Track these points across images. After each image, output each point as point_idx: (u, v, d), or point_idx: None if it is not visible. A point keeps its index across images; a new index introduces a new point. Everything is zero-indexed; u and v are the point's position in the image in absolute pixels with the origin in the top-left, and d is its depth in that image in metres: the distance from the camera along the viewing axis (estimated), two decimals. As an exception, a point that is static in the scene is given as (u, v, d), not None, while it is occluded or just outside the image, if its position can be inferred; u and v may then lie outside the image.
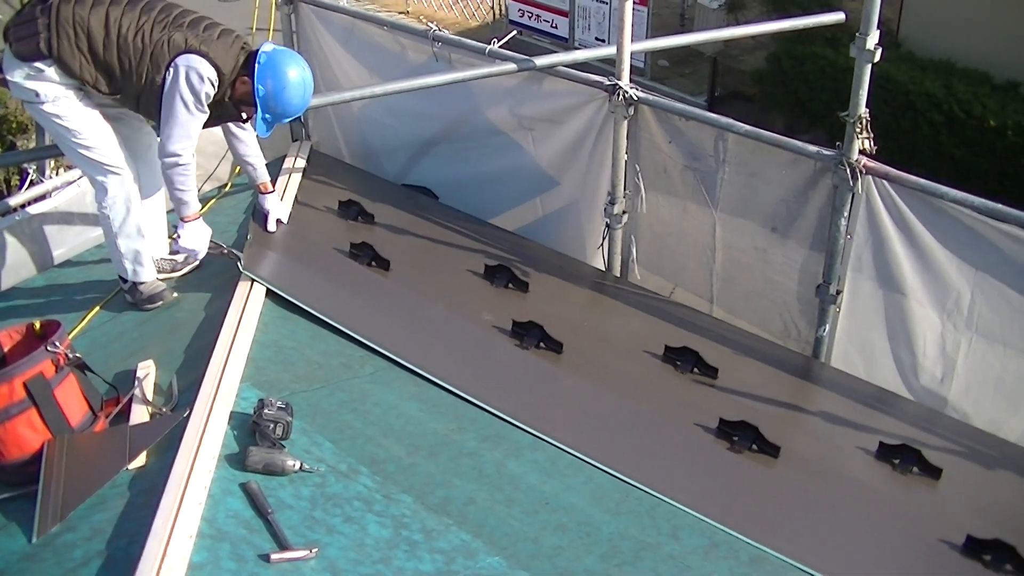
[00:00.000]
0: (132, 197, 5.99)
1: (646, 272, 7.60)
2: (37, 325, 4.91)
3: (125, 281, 6.15)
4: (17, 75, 5.64)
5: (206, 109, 5.77)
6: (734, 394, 6.12)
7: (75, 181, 7.32)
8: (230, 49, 5.80)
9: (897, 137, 13.63)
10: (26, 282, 6.93)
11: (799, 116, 18.47)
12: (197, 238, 6.07)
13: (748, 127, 6.65)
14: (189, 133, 5.75)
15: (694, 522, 4.93)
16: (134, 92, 5.74)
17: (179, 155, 5.77)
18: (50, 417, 4.60)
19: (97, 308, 6.23)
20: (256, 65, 5.78)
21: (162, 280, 6.24)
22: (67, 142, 5.85)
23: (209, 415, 4.65)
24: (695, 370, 6.24)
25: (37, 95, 5.67)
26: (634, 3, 21.24)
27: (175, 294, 6.19)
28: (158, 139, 5.93)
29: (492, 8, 27.49)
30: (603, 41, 24.10)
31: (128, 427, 4.77)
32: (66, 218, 7.24)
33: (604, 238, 7.48)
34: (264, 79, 5.77)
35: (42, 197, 7.33)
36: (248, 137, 6.43)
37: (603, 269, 7.59)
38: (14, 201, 7.18)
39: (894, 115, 14.06)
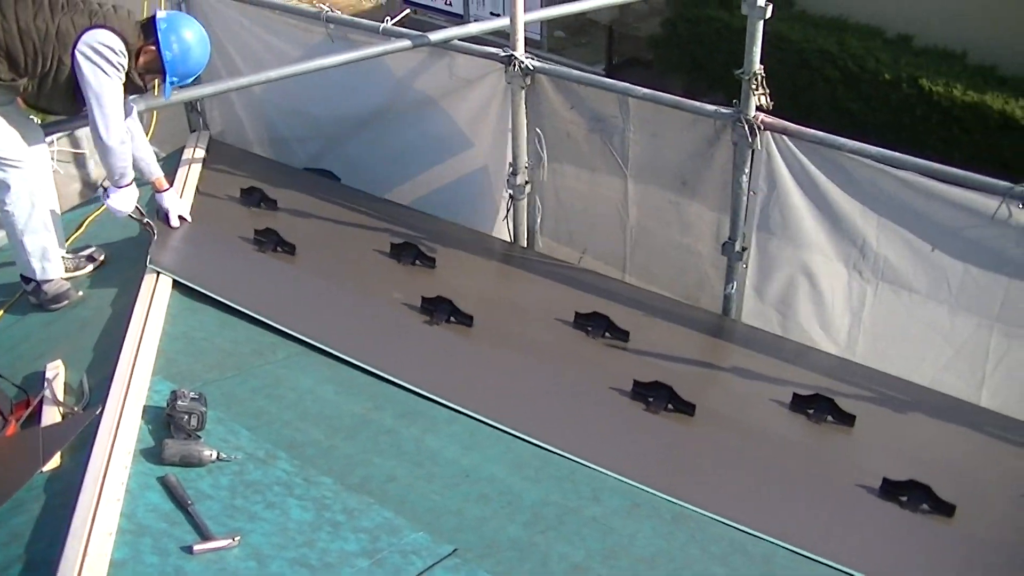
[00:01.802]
0: (35, 191, 5.90)
1: (552, 241, 7.64)
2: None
3: (29, 282, 6.06)
4: None
5: (123, 78, 5.78)
6: (647, 356, 6.17)
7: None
8: (128, 21, 5.82)
9: (794, 95, 13.74)
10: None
11: (698, 79, 18.57)
12: (126, 201, 6.16)
13: (646, 90, 6.70)
14: (119, 109, 5.79)
15: (615, 484, 4.96)
16: (39, 74, 5.64)
17: (122, 132, 5.84)
18: (-42, 424, 4.56)
19: (1, 312, 6.12)
20: (157, 32, 5.85)
21: (66, 279, 6.15)
22: None
23: (122, 411, 4.59)
24: (606, 335, 6.29)
25: None
26: (525, -25, 21.03)
27: (80, 292, 6.11)
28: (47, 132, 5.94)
29: (385, -12, 27.31)
30: (498, 15, 24.12)
31: (40, 429, 4.72)
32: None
33: (508, 209, 7.49)
34: (169, 44, 5.87)
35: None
36: (136, 131, 6.38)
37: (510, 241, 7.59)
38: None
39: (790, 74, 14.19)
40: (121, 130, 5.84)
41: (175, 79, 5.99)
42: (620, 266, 7.45)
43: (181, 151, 7.93)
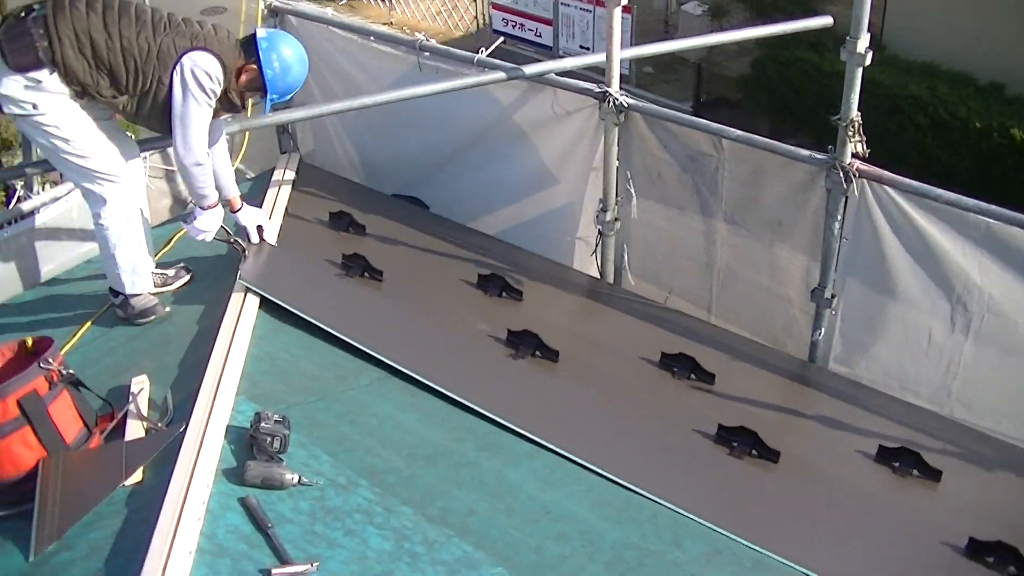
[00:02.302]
0: (130, 206, 5.94)
1: (640, 279, 7.57)
2: (29, 342, 4.85)
3: (117, 295, 6.09)
4: (12, 88, 5.53)
5: (213, 104, 5.81)
6: (732, 400, 6.10)
7: (62, 197, 7.27)
8: (227, 43, 5.86)
9: (884, 140, 13.60)
10: (15, 298, 6.89)
11: (784, 121, 18.46)
12: (210, 223, 6.14)
13: (739, 132, 6.63)
14: (204, 131, 5.81)
15: (696, 528, 4.89)
16: (139, 92, 5.70)
17: (200, 154, 5.84)
18: (44, 434, 4.54)
19: (88, 324, 6.15)
20: (258, 51, 5.90)
21: (154, 295, 6.17)
22: (63, 153, 5.74)
23: (205, 429, 4.59)
24: (692, 376, 6.22)
25: (35, 106, 5.57)
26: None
27: (167, 308, 6.13)
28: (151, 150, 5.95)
29: (476, 18, 27.49)
30: (587, 49, 24.10)
31: (124, 443, 4.71)
32: (54, 234, 7.19)
33: (597, 245, 7.44)
34: (270, 62, 5.91)
35: (30, 214, 7.28)
36: (219, 149, 6.40)
37: (597, 277, 7.54)
38: (1, 218, 7.12)
39: (879, 118, 14.05)
40: (200, 152, 5.84)
41: (275, 96, 6.02)
42: (706, 307, 7.37)
43: (271, 172, 7.95)
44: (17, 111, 5.60)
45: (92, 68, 5.57)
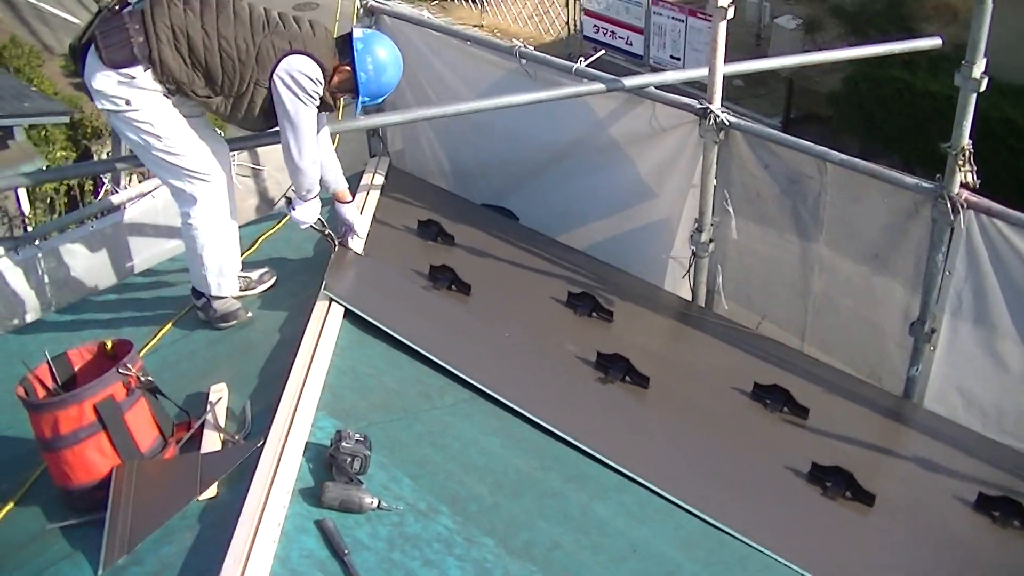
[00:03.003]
0: (221, 206, 5.83)
1: (733, 303, 7.36)
2: (108, 344, 4.76)
3: (200, 297, 5.96)
4: (105, 83, 5.40)
5: (317, 105, 5.71)
6: (826, 436, 5.88)
7: (149, 192, 7.20)
8: (325, 43, 5.73)
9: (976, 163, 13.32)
10: (98, 294, 6.83)
11: (874, 139, 18.21)
12: (309, 213, 6.08)
13: (843, 156, 6.39)
14: (314, 133, 5.74)
15: (788, 574, 4.67)
16: (234, 94, 5.58)
17: (312, 156, 5.78)
18: (120, 442, 4.45)
19: (169, 325, 6.05)
20: (354, 52, 5.77)
21: (236, 299, 6.04)
22: (154, 151, 5.61)
23: (284, 446, 4.44)
24: (785, 409, 5.99)
25: (128, 102, 5.44)
26: (710, 22, 20.98)
27: (249, 313, 6.00)
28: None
29: (567, 23, 27.41)
30: (678, 59, 23.97)
31: (199, 455, 4.59)
32: (139, 230, 7.12)
33: (690, 266, 7.23)
34: (364, 65, 5.78)
35: (116, 208, 7.20)
36: (324, 143, 6.24)
37: (688, 299, 7.34)
38: (87, 212, 7.05)
39: (973, 141, 13.76)
40: (314, 152, 5.77)
41: (366, 99, 5.89)
42: (800, 335, 7.14)
43: (359, 175, 7.79)
44: (109, 107, 5.48)
45: (188, 66, 5.45)
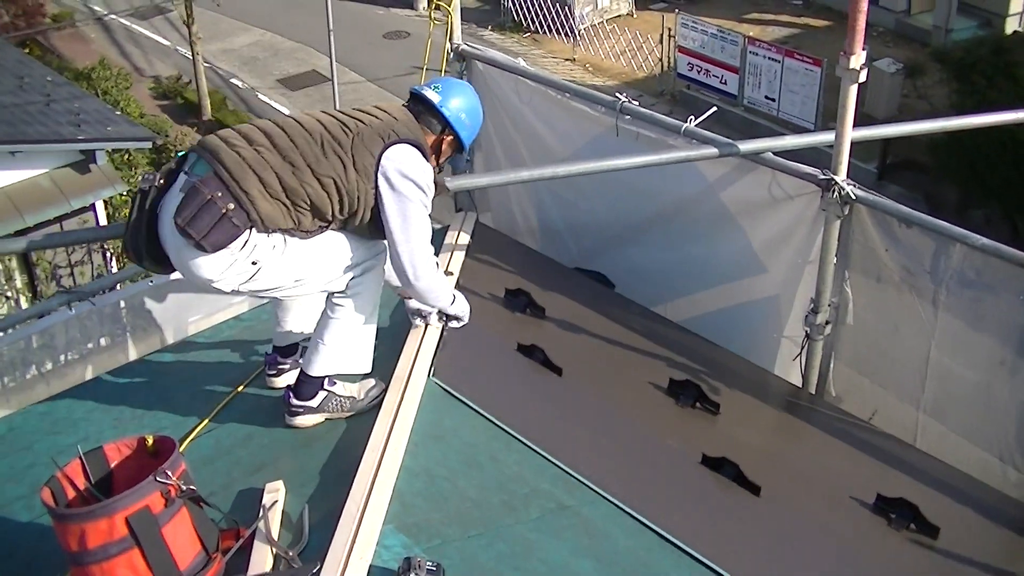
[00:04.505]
0: (377, 287, 5.11)
1: (845, 392, 6.67)
2: (150, 441, 4.19)
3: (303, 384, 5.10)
4: (216, 267, 4.60)
5: (431, 200, 4.96)
6: (957, 560, 5.18)
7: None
8: (410, 120, 4.98)
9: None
10: (155, 355, 6.24)
11: (973, 189, 17.57)
12: (463, 309, 5.34)
13: (985, 240, 5.69)
14: (428, 238, 4.94)
15: None
16: (347, 214, 4.79)
17: (432, 267, 4.99)
18: (155, 558, 3.87)
19: (226, 401, 5.40)
20: (443, 115, 5.04)
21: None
22: (301, 291, 4.93)
23: (343, 572, 3.87)
24: (911, 527, 5.29)
25: (254, 263, 4.64)
26: (807, 63, 20.43)
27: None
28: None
29: (660, 60, 26.99)
30: (772, 100, 23.47)
31: (247, 579, 3.99)
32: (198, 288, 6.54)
33: (803, 349, 6.56)
34: (463, 124, 5.09)
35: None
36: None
37: (798, 384, 6.66)
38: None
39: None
40: (432, 265, 4.96)
41: (467, 151, 5.39)
42: (911, 435, 6.42)
43: (444, 232, 7.15)
44: (233, 285, 4.73)
45: (291, 208, 4.64)
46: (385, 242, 4.93)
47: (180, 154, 4.72)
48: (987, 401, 6.06)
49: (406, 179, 4.77)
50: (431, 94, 5.07)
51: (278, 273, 4.73)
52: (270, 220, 4.54)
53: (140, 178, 4.66)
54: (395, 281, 5.15)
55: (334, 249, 4.84)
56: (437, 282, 5.09)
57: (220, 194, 4.45)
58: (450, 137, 5.10)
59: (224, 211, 4.44)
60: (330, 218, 4.70)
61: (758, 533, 5.12)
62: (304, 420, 5.06)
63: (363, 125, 4.78)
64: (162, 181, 4.64)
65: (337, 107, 21.61)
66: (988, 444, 6.14)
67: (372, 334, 5.10)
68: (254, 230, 4.54)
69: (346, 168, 4.66)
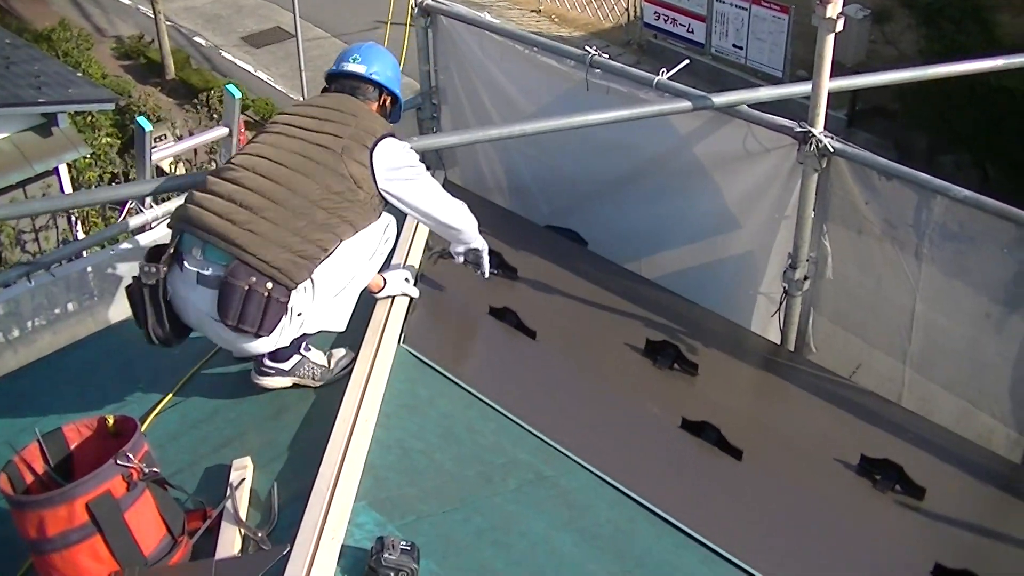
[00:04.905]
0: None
1: (825, 348, 6.54)
2: (110, 421, 4.02)
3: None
4: (275, 337, 4.56)
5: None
6: (945, 522, 5.08)
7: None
8: (358, 106, 5.02)
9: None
10: (118, 327, 6.05)
11: (943, 136, 17.50)
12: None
13: (967, 192, 5.54)
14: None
15: None
16: (363, 223, 4.77)
17: (461, 206, 5.27)
18: (117, 545, 3.73)
19: (190, 373, 5.24)
20: (379, 83, 5.16)
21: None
22: (337, 298, 4.81)
23: (314, 552, 3.73)
24: (897, 488, 5.17)
25: (299, 315, 4.58)
26: (774, 11, 20.18)
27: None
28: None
29: (627, 9, 26.75)
30: (740, 48, 23.32)
31: (213, 562, 3.84)
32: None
33: (781, 305, 6.42)
34: (392, 81, 5.22)
35: (139, 230, 6.48)
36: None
37: (776, 341, 6.53)
38: (106, 234, 6.35)
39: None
40: (464, 208, 5.25)
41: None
42: (896, 393, 6.30)
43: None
44: (287, 340, 4.66)
45: (315, 253, 4.55)
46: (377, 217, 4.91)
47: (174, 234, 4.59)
48: (974, 356, 5.93)
49: (404, 168, 4.90)
50: (355, 67, 5.17)
51: (319, 308, 4.69)
52: (302, 276, 4.50)
53: (140, 270, 4.46)
54: None
55: (353, 252, 4.76)
56: (468, 215, 5.28)
57: (254, 279, 4.38)
58: (388, 97, 5.20)
59: (266, 294, 4.40)
60: (345, 236, 4.67)
61: (741, 499, 4.99)
62: (273, 382, 4.92)
63: (340, 139, 4.75)
64: (165, 269, 4.51)
65: (302, 64, 21.48)
66: (975, 400, 6.03)
67: (356, 295, 4.98)
68: (293, 292, 4.48)
69: (356, 181, 4.69)
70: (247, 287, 4.34)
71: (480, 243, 5.41)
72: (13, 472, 3.85)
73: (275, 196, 4.53)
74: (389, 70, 5.19)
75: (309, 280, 4.53)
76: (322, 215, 4.56)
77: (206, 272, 4.44)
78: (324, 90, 5.22)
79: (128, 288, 4.59)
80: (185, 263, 4.49)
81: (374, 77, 5.11)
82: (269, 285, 4.38)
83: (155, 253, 4.56)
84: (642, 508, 4.51)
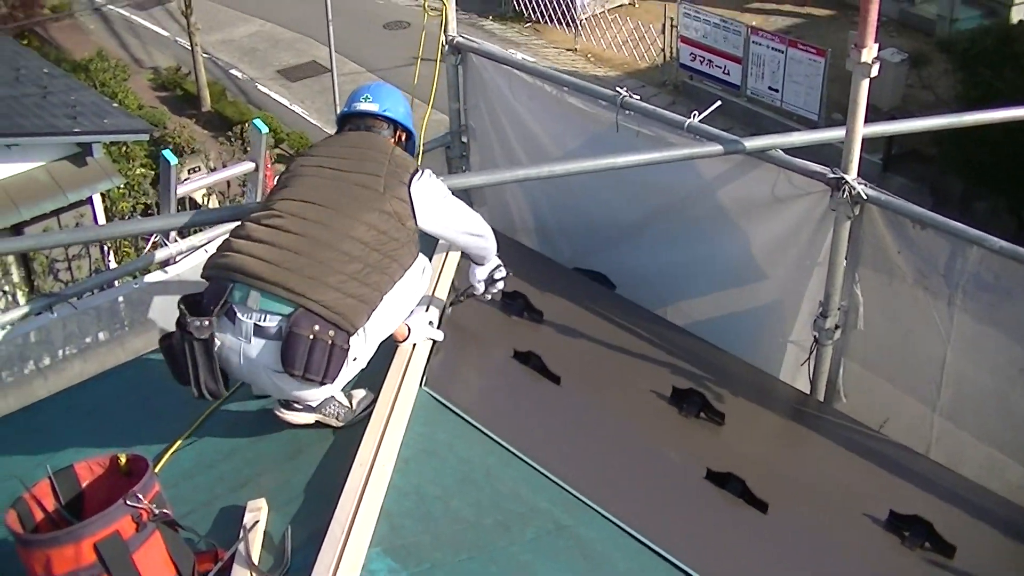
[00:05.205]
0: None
1: (855, 399, 6.43)
2: (122, 459, 3.99)
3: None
4: (333, 388, 4.62)
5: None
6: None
7: (202, 247, 6.44)
8: (384, 142, 5.09)
9: None
10: (137, 362, 6.01)
11: (978, 181, 17.42)
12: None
13: (1004, 243, 5.44)
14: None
15: None
16: (411, 259, 4.84)
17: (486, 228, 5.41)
18: (125, 587, 3.64)
19: (208, 412, 5.17)
20: (395, 121, 5.23)
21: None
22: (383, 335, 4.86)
23: (326, 599, 3.64)
24: (926, 545, 5.06)
25: (355, 359, 4.59)
26: (810, 54, 20.31)
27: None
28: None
29: (663, 50, 26.81)
30: (776, 91, 23.29)
31: (223, 608, 3.78)
32: (188, 289, 6.32)
33: (811, 354, 6.32)
34: (405, 117, 5.29)
35: (164, 263, 6.46)
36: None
37: (805, 390, 6.44)
38: (132, 267, 6.33)
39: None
40: (489, 228, 5.42)
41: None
42: (925, 443, 6.18)
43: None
44: (341, 385, 4.70)
45: (370, 296, 4.56)
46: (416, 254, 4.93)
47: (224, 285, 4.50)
48: (1006, 409, 5.82)
49: (440, 199, 5.02)
50: (368, 106, 5.21)
51: (370, 350, 4.72)
52: (362, 320, 4.52)
53: (185, 325, 4.38)
54: None
55: (400, 293, 4.79)
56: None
57: (318, 327, 4.35)
58: (403, 133, 5.28)
59: (330, 342, 4.36)
60: (397, 277, 4.70)
61: (766, 554, 4.88)
62: (297, 417, 4.81)
63: (379, 177, 4.76)
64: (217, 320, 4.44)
65: (336, 98, 21.54)
66: (1007, 454, 5.91)
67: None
68: (352, 337, 4.46)
69: (396, 225, 4.70)
70: (312, 336, 4.30)
71: (496, 260, 5.53)
72: (23, 509, 3.82)
73: (324, 239, 4.51)
74: (401, 107, 5.25)
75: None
76: (375, 257, 4.55)
77: (264, 323, 4.38)
78: (339, 131, 5.23)
79: (165, 343, 4.50)
80: (238, 315, 4.41)
81: (388, 114, 5.16)
82: (332, 332, 4.34)
83: (193, 305, 4.48)
84: (662, 560, 4.40)
